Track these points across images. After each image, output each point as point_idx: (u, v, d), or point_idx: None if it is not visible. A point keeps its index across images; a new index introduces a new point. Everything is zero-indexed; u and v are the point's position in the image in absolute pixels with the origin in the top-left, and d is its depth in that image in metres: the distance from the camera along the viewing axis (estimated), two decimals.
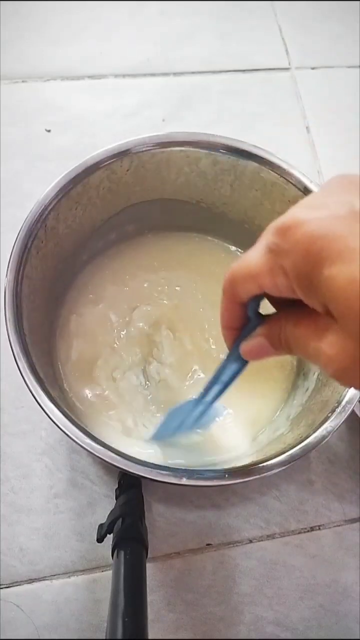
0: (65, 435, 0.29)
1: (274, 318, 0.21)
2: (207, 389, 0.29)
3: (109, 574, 0.38)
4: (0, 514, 0.41)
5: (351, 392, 0.32)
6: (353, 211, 0.16)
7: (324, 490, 0.44)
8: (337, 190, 0.18)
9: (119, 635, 0.26)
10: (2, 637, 0.38)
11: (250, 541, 0.42)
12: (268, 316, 0.22)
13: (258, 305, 0.22)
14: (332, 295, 0.16)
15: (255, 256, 0.19)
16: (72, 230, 0.39)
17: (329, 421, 0.31)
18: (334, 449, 0.45)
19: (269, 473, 0.29)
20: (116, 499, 0.39)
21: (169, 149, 0.38)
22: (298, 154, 0.57)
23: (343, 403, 0.31)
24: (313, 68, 0.62)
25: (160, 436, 0.37)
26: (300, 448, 0.30)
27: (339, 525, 0.44)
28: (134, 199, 0.42)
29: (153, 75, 0.59)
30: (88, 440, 0.29)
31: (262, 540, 0.42)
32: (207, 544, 0.42)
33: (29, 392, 0.44)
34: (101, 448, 0.29)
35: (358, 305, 0.15)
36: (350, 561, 0.43)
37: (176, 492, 0.42)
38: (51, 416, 0.30)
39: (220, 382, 0.28)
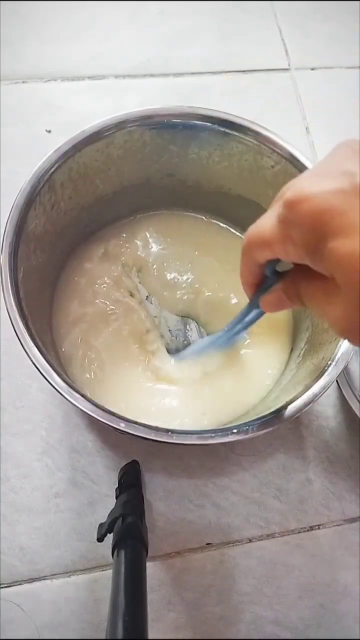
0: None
1: (290, 275, 0.23)
2: (231, 326, 0.33)
3: (109, 573, 0.38)
4: (0, 513, 0.41)
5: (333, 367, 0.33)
6: (354, 185, 0.17)
7: (323, 489, 0.44)
8: (342, 159, 0.19)
9: (119, 634, 0.26)
10: (2, 637, 0.38)
11: (250, 540, 0.42)
12: (285, 273, 0.24)
13: (275, 265, 0.23)
14: (335, 265, 0.18)
15: (268, 225, 0.20)
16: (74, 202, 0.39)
17: (317, 383, 0.32)
18: (333, 448, 0.45)
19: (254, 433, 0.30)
20: (116, 498, 0.39)
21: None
22: None
23: (329, 370, 0.33)
24: (312, 69, 0.62)
25: (185, 355, 0.40)
26: (290, 409, 0.31)
27: (339, 525, 0.44)
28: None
29: (153, 76, 0.59)
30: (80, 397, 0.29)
31: (261, 540, 0.43)
32: (207, 543, 0.42)
33: (29, 391, 0.44)
34: (89, 404, 0.29)
35: (357, 277, 0.17)
36: (350, 560, 0.43)
37: (176, 490, 0.43)
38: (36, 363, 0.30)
39: (242, 323, 0.32)
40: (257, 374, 0.42)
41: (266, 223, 0.21)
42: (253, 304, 0.26)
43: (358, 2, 0.66)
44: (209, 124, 0.38)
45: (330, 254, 0.17)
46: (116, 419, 0.29)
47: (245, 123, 0.38)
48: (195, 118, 0.38)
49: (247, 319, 0.31)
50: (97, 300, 0.42)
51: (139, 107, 0.38)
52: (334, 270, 0.18)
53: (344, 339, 0.20)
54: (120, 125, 0.38)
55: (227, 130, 0.38)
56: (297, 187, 0.19)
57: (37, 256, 0.36)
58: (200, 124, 0.38)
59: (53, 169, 0.35)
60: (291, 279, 0.23)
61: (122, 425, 0.29)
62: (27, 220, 0.34)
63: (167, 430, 0.29)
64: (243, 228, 0.47)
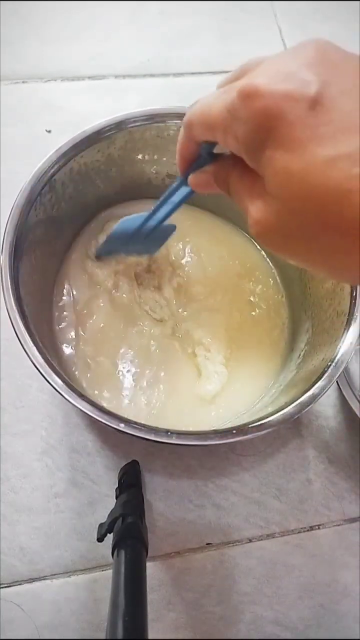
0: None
1: (224, 161, 0.22)
2: (158, 207, 0.31)
3: (109, 573, 0.38)
4: (0, 513, 0.41)
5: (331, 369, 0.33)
6: (307, 95, 0.16)
7: (323, 489, 0.44)
8: (305, 63, 0.18)
9: (119, 634, 0.26)
10: (2, 637, 0.38)
11: (250, 540, 0.42)
12: (219, 156, 0.23)
13: (212, 147, 0.23)
14: (270, 174, 0.17)
15: (215, 108, 0.20)
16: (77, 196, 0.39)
17: (317, 384, 0.33)
18: (333, 448, 0.45)
19: (260, 433, 0.31)
20: (116, 498, 0.39)
21: None
22: None
23: (329, 371, 0.33)
24: None
25: (109, 248, 0.37)
26: (294, 406, 0.32)
27: (339, 525, 0.44)
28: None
29: (153, 76, 0.59)
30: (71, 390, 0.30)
31: (261, 540, 0.43)
32: (207, 544, 0.42)
33: (29, 391, 0.44)
34: (85, 403, 0.29)
35: (286, 191, 0.17)
36: (350, 560, 0.43)
37: (176, 490, 0.43)
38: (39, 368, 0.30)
39: (169, 203, 0.30)
40: (254, 376, 0.42)
41: (214, 105, 0.20)
42: (183, 180, 0.26)
43: (358, 2, 0.66)
44: None
45: (268, 161, 0.17)
46: (116, 419, 0.29)
47: None
48: None
49: (175, 197, 0.29)
50: (97, 296, 0.43)
51: (139, 107, 0.38)
52: (267, 178, 0.18)
53: (258, 240, 0.20)
54: (120, 125, 0.38)
55: None
56: (253, 79, 0.18)
57: (38, 256, 0.36)
58: None
59: (54, 169, 0.36)
60: (224, 165, 0.22)
61: (121, 426, 0.29)
62: (27, 220, 0.34)
63: (166, 431, 0.29)
64: (242, 228, 0.47)
